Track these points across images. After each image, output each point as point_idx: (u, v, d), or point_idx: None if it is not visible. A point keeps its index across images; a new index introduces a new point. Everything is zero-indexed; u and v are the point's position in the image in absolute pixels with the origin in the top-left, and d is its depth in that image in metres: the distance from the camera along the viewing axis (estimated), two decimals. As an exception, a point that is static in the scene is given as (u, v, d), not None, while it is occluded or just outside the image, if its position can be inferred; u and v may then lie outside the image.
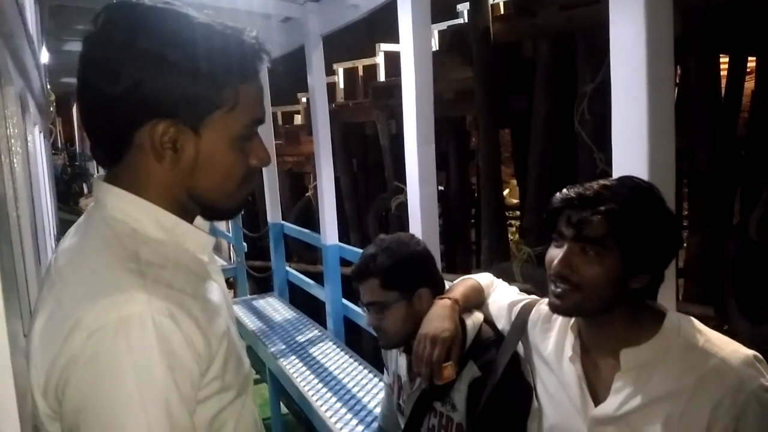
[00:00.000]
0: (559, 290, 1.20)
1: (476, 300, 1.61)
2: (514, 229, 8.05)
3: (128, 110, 0.84)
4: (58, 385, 0.78)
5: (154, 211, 0.89)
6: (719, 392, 1.09)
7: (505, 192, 7.54)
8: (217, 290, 0.95)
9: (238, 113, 0.89)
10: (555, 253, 1.20)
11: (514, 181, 7.71)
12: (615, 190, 1.17)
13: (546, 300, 1.44)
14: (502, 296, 1.58)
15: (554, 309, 1.25)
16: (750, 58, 4.77)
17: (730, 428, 1.08)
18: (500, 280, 1.68)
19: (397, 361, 1.80)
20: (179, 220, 0.91)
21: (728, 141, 4.07)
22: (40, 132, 5.27)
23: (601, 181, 1.20)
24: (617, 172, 1.60)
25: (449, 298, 1.54)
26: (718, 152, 3.89)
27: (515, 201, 8.71)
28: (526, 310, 1.47)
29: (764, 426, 1.08)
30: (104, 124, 0.87)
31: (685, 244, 3.95)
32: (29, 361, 0.83)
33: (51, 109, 8.43)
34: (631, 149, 1.59)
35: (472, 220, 6.75)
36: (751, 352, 1.13)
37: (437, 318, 1.49)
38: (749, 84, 4.79)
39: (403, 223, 7.01)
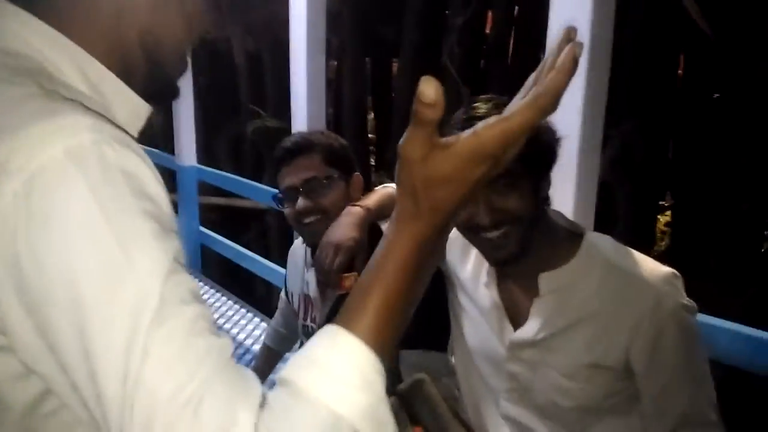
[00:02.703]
0: (496, 238, 1.08)
1: (393, 209, 1.51)
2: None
3: None
4: None
5: (76, 54, 0.62)
6: (638, 311, 1.07)
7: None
8: None
9: None
10: (469, 211, 1.06)
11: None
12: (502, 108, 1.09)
13: None
14: None
15: (499, 263, 1.14)
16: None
17: (649, 346, 1.07)
18: None
19: (305, 279, 1.70)
20: (108, 73, 0.64)
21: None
22: None
23: (481, 105, 1.09)
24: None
25: (361, 206, 1.44)
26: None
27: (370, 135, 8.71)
28: None
29: (681, 344, 1.08)
30: None
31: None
32: None
33: None
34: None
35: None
36: (669, 270, 1.11)
37: (344, 225, 1.39)
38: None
39: (259, 149, 6.67)
